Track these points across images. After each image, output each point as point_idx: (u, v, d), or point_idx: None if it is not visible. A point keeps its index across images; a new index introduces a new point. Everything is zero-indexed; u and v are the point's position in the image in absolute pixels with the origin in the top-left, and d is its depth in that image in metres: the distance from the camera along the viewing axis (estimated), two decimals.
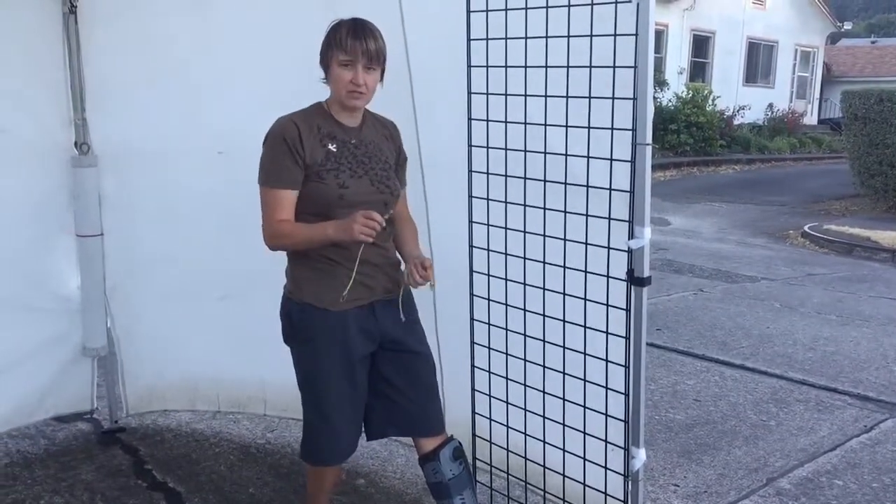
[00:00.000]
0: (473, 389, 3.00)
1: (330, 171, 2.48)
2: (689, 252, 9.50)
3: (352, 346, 2.55)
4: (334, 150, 2.51)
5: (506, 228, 2.78)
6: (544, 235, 2.68)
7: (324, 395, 2.58)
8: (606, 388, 2.59)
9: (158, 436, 3.85)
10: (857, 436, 4.10)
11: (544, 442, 2.82)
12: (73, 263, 3.70)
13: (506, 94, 2.66)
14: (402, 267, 2.65)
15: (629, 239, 2.42)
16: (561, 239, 2.63)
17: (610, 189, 2.45)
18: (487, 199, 2.81)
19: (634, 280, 2.45)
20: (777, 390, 4.77)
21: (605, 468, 2.66)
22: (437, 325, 3.07)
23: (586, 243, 2.56)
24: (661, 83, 21.08)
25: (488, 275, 2.87)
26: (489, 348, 2.91)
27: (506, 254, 2.80)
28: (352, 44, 2.42)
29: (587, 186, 2.51)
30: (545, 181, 2.63)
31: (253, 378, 3.79)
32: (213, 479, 3.45)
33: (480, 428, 3.02)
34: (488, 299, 2.88)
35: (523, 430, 2.88)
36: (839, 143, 21.35)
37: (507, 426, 2.93)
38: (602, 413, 2.61)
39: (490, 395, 2.95)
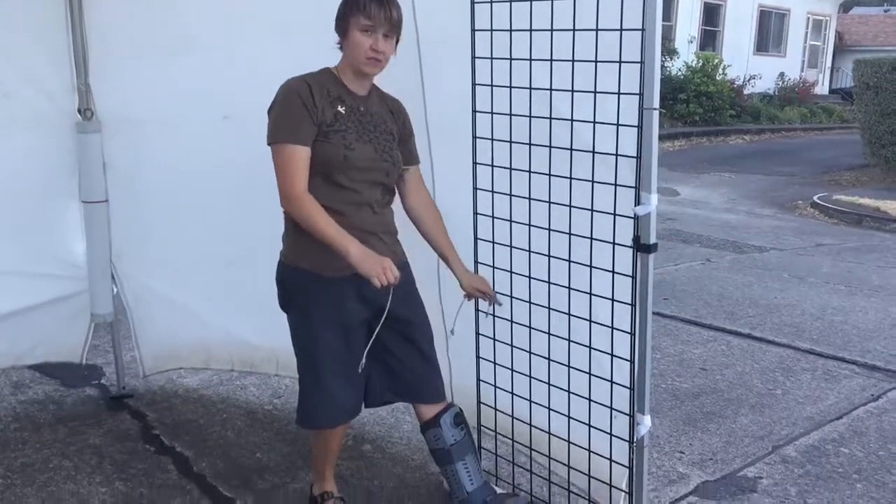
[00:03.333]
0: (478, 357, 2.99)
1: (337, 132, 2.47)
2: (698, 222, 9.46)
3: (348, 313, 2.55)
4: (343, 112, 2.51)
5: (510, 195, 2.77)
6: (549, 202, 2.66)
7: (319, 360, 2.60)
8: (612, 355, 2.59)
9: (166, 402, 3.88)
10: (863, 404, 4.10)
11: (549, 409, 2.83)
12: (79, 230, 3.70)
13: (510, 59, 2.62)
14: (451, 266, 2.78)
15: (636, 205, 2.40)
16: (566, 206, 2.61)
17: (616, 155, 2.43)
18: (492, 166, 2.79)
19: (641, 247, 2.43)
20: (784, 359, 4.76)
21: (611, 435, 2.67)
22: (441, 292, 3.06)
23: (592, 210, 2.54)
24: (670, 52, 20.86)
25: (493, 242, 2.86)
26: (494, 315, 2.90)
27: (510, 220, 2.79)
28: (375, 10, 2.41)
29: (593, 152, 2.49)
30: (550, 147, 2.60)
31: (264, 340, 3.76)
32: (220, 444, 3.47)
33: (485, 395, 3.03)
34: (493, 267, 2.87)
35: (528, 398, 2.88)
36: (850, 113, 21.19)
37: (512, 393, 2.93)
38: (607, 380, 2.61)
39: (494, 363, 2.95)
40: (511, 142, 2.71)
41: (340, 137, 2.47)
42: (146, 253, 3.77)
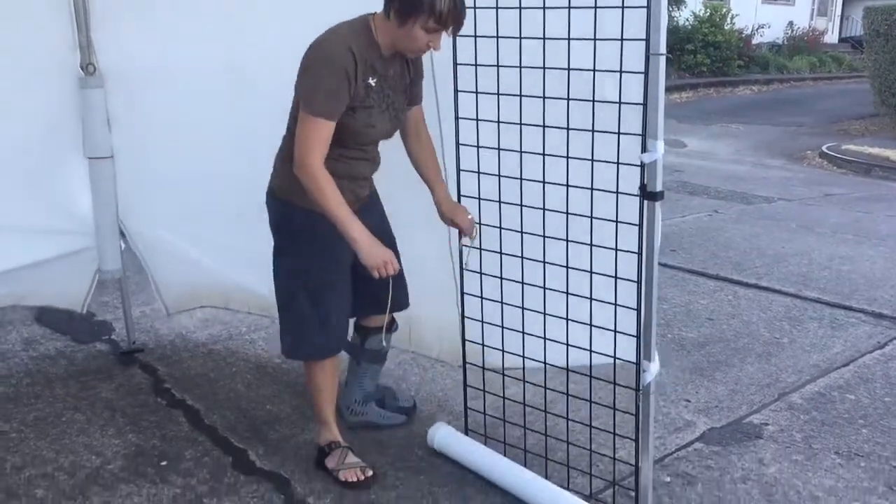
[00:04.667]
0: (463, 293, 3.00)
1: (365, 108, 2.52)
2: (705, 174, 9.41)
3: (342, 248, 2.61)
4: (373, 84, 2.53)
5: (498, 149, 2.73)
6: (543, 154, 2.63)
7: (325, 292, 2.72)
8: (616, 304, 2.59)
9: (176, 356, 3.91)
10: (870, 352, 4.11)
11: (545, 364, 2.83)
12: (85, 186, 3.70)
13: (496, 8, 2.57)
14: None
15: (642, 153, 2.39)
16: (563, 157, 2.59)
17: (620, 103, 2.41)
18: (476, 120, 2.74)
19: (647, 195, 2.42)
20: (791, 309, 4.76)
21: (614, 384, 2.68)
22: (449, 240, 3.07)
23: (592, 160, 2.53)
24: (677, 1, 20.58)
25: (478, 198, 2.82)
26: (481, 274, 2.89)
27: (499, 175, 2.76)
28: (452, 21, 2.39)
29: (592, 101, 2.46)
30: (544, 98, 2.56)
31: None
32: (230, 396, 3.51)
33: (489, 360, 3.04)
34: (479, 224, 2.85)
35: (521, 354, 2.88)
36: (860, 61, 20.92)
37: (502, 351, 2.94)
38: (611, 330, 2.62)
39: (482, 322, 2.96)
40: (498, 94, 2.65)
41: (366, 115, 2.53)
42: (155, 208, 3.77)
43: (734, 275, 5.42)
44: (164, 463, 2.99)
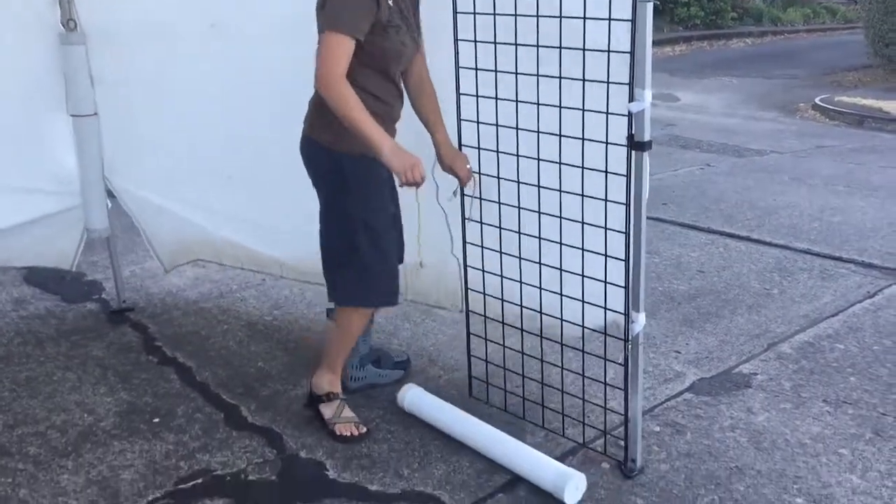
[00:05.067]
0: (465, 243, 3.00)
1: (393, 26, 2.54)
2: (698, 127, 9.36)
3: (389, 192, 2.70)
4: (391, 4, 2.54)
5: (496, 99, 2.71)
6: (538, 104, 2.61)
7: (382, 237, 2.73)
8: (606, 255, 2.59)
9: (166, 314, 3.91)
10: (859, 301, 4.12)
11: (541, 313, 2.84)
12: (70, 144, 3.67)
13: None
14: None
15: (629, 102, 2.36)
16: (556, 106, 2.57)
17: (608, 51, 2.38)
18: (476, 70, 2.72)
19: (635, 144, 2.40)
20: (781, 260, 4.77)
21: (605, 334, 2.69)
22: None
23: (583, 109, 2.50)
24: None
25: (478, 148, 2.81)
26: (481, 223, 2.89)
27: (497, 125, 2.74)
28: None
29: (583, 50, 2.44)
30: (538, 46, 2.53)
31: (267, 249, 3.73)
32: (222, 354, 3.51)
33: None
34: (479, 173, 2.84)
35: (519, 303, 2.89)
36: (854, 12, 20.71)
37: (503, 300, 2.94)
38: (601, 281, 2.62)
39: (483, 270, 2.96)
40: (496, 43, 2.64)
41: (395, 33, 2.55)
42: (141, 167, 3.75)
43: (725, 227, 5.42)
44: (156, 420, 3.00)
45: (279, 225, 3.55)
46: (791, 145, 8.39)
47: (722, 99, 11.77)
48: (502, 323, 2.99)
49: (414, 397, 2.98)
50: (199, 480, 2.63)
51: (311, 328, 3.74)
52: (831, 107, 10.59)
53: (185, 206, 3.75)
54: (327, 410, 2.89)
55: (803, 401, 3.14)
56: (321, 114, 2.58)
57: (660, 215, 5.64)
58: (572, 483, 2.47)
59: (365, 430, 2.86)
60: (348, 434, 2.83)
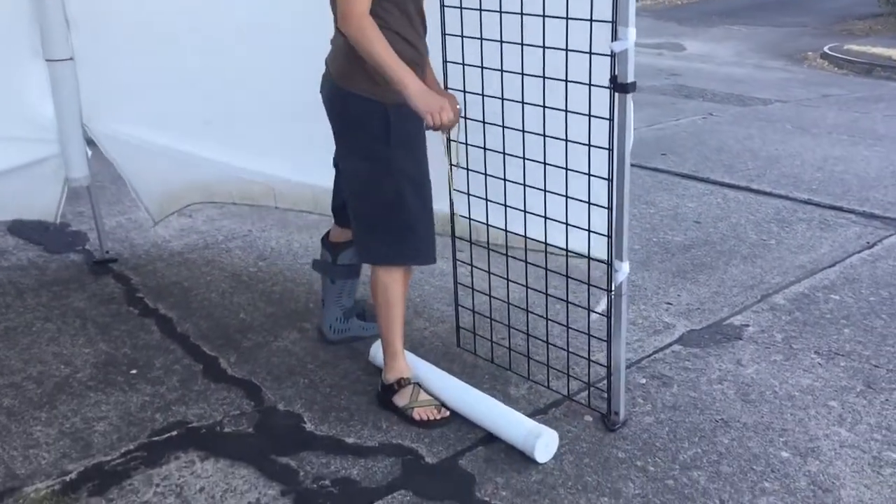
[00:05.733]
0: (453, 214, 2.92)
1: None
2: (703, 76, 9.20)
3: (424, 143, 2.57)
4: None
5: (481, 39, 2.61)
6: (522, 44, 2.50)
7: (428, 195, 2.59)
8: (589, 203, 2.50)
9: (150, 265, 3.85)
10: (858, 252, 4.03)
11: (526, 263, 2.77)
12: (46, 90, 3.57)
13: None
14: None
15: (612, 41, 2.26)
16: (539, 46, 2.46)
17: None
18: (461, 8, 2.62)
19: (618, 86, 2.30)
20: (780, 210, 4.67)
21: (588, 284, 2.62)
22: None
23: (567, 49, 2.40)
24: None
25: (464, 91, 2.72)
26: (467, 169, 2.80)
27: (482, 66, 2.64)
28: None
29: None
30: None
31: (257, 176, 3.65)
32: (204, 305, 3.46)
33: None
34: (465, 118, 2.74)
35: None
36: None
37: (489, 245, 2.87)
38: (585, 230, 2.53)
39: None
40: None
41: None
42: (120, 113, 3.65)
43: (725, 178, 5.32)
44: (133, 371, 2.95)
45: (267, 147, 3.46)
46: (797, 94, 8.24)
47: (729, 48, 11.57)
48: (489, 273, 2.91)
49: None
50: (174, 433, 2.59)
51: (296, 279, 3.68)
52: (840, 55, 10.39)
53: (169, 150, 3.65)
54: (400, 399, 2.64)
55: (794, 353, 3.07)
56: (353, 60, 2.40)
57: (659, 165, 5.54)
58: (541, 441, 2.40)
59: (448, 413, 2.60)
60: (430, 418, 2.59)
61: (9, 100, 3.54)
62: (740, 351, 3.09)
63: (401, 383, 2.67)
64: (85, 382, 2.88)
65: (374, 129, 2.47)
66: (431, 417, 2.60)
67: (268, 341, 3.16)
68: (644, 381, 2.89)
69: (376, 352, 2.88)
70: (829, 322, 3.31)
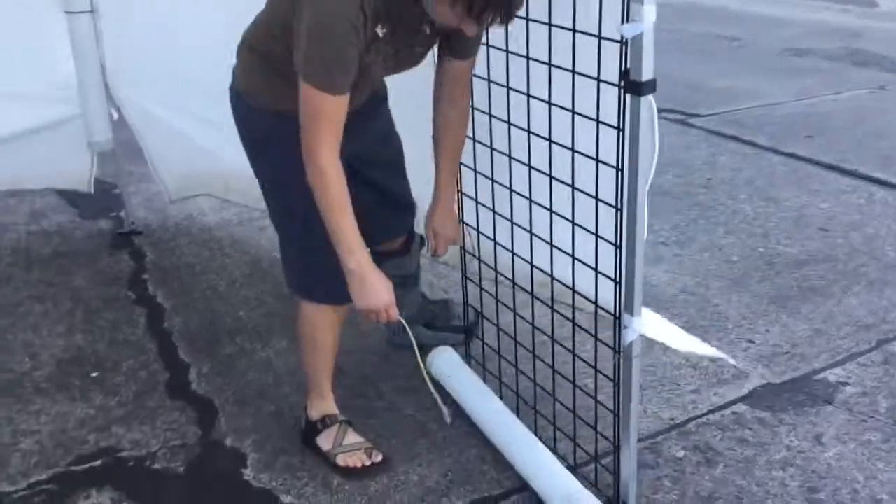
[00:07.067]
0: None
1: (365, 63, 1.83)
2: (888, 41, 7.91)
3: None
4: (381, 35, 1.81)
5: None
6: (528, 19, 1.91)
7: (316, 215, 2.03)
8: (597, 235, 1.89)
9: (173, 241, 3.55)
10: None
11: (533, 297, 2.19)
12: (67, 45, 3.28)
13: None
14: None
15: (622, 23, 1.62)
16: (546, 23, 1.86)
17: None
18: None
19: (630, 85, 1.67)
20: None
21: (595, 338, 2.02)
22: None
23: (574, 30, 1.78)
24: None
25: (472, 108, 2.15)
26: (475, 170, 2.25)
27: (487, 44, 2.07)
28: (490, 19, 1.68)
29: None
30: None
31: None
32: (206, 295, 3.11)
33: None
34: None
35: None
36: None
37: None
38: (591, 268, 1.93)
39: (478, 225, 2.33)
40: None
41: (366, 65, 1.84)
42: (142, 74, 3.33)
43: (877, 172, 4.38)
44: (95, 374, 2.64)
45: None
46: None
47: None
48: (496, 300, 2.36)
49: (441, 364, 2.49)
50: (98, 462, 2.24)
51: None
52: None
53: (187, 122, 3.31)
54: (325, 441, 2.23)
55: None
56: (255, 67, 2.05)
57: (798, 150, 4.66)
58: None
59: (380, 457, 2.20)
60: (358, 465, 2.18)
61: (28, 55, 3.28)
62: (825, 421, 2.38)
63: (325, 422, 2.25)
64: (38, 384, 2.59)
65: (270, 143, 2.08)
66: (359, 465, 2.18)
67: (254, 349, 2.76)
68: (682, 453, 2.26)
69: (432, 359, 2.50)
70: None
